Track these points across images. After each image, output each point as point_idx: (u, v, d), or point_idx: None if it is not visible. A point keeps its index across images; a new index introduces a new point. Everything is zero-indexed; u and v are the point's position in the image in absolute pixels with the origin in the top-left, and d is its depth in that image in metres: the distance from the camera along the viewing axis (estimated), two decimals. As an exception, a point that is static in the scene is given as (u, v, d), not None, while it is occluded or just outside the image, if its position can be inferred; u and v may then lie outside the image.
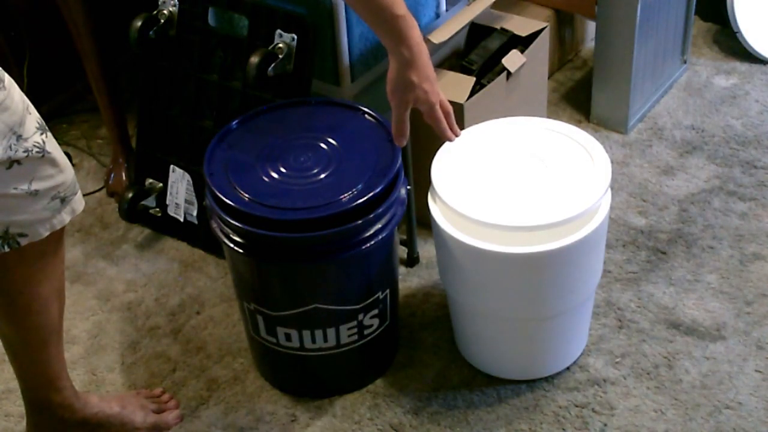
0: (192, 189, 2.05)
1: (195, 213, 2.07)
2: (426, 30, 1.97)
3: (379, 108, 1.69)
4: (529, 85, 2.07)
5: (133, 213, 2.10)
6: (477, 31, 2.10)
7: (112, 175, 2.25)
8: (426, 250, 2.03)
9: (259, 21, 1.84)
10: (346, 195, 1.52)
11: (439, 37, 1.93)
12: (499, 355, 1.76)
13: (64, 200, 1.39)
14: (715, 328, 1.83)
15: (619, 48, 2.22)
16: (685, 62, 2.50)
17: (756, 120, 2.33)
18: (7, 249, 1.35)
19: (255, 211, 1.51)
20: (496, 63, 2.00)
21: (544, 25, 2.08)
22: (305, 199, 1.52)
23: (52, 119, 2.43)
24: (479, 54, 2.03)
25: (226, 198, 1.53)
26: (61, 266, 1.49)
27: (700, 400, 1.70)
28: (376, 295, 1.66)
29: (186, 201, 2.07)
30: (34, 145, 1.31)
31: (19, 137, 1.29)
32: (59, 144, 1.38)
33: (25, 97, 1.32)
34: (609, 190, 1.60)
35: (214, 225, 1.59)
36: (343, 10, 1.78)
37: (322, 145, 1.62)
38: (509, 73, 1.97)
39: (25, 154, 1.30)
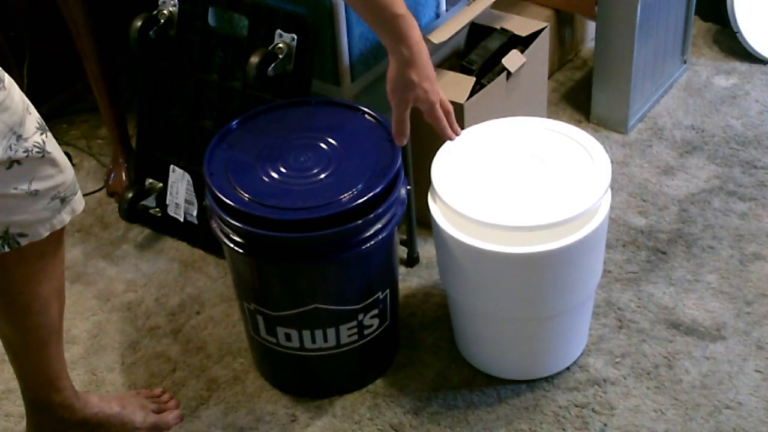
0: (192, 189, 2.05)
1: (195, 213, 2.07)
2: (426, 30, 1.97)
3: (379, 108, 1.69)
4: (529, 85, 2.07)
5: (133, 213, 2.10)
6: (477, 31, 2.10)
7: (112, 175, 2.25)
8: (426, 250, 2.03)
9: (259, 21, 1.84)
10: (346, 195, 1.52)
11: (439, 37, 1.93)
12: (499, 355, 1.76)
13: (64, 200, 1.39)
14: (715, 328, 1.83)
15: (619, 48, 2.22)
16: (685, 62, 2.50)
17: (756, 120, 2.34)
18: (7, 249, 1.35)
19: (255, 211, 1.51)
20: (496, 63, 2.00)
21: (544, 25, 2.08)
22: (305, 199, 1.52)
23: (52, 119, 2.43)
24: (479, 54, 2.03)
25: (226, 198, 1.53)
26: (61, 266, 1.49)
27: (700, 400, 1.70)
28: (376, 295, 1.66)
29: (186, 201, 2.07)
30: (34, 145, 1.31)
31: (19, 137, 1.29)
32: (59, 144, 1.38)
33: (25, 97, 1.32)
34: (609, 190, 1.60)
35: (214, 225, 1.59)
36: (343, 10, 1.78)
37: (322, 145, 1.62)
38: (509, 73, 1.97)
39: (25, 154, 1.30)
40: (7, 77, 1.27)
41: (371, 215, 1.52)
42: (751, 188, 2.13)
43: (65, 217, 1.40)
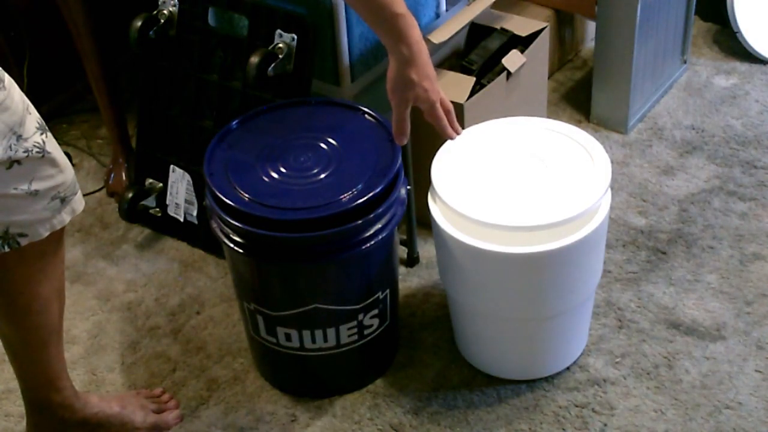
0: (192, 189, 2.05)
1: (195, 213, 2.07)
2: (426, 30, 1.97)
3: (379, 108, 1.69)
4: (529, 85, 2.07)
5: (133, 213, 2.10)
6: (477, 31, 2.10)
7: (112, 175, 2.25)
8: (426, 250, 2.03)
9: (259, 21, 1.84)
10: (346, 195, 1.52)
11: (439, 37, 1.93)
12: (499, 355, 1.76)
13: (64, 200, 1.39)
14: (715, 328, 1.83)
15: (619, 48, 2.22)
16: (685, 62, 2.50)
17: (756, 120, 2.34)
18: (7, 249, 1.35)
19: (255, 211, 1.51)
20: (496, 63, 2.00)
21: (544, 25, 2.08)
22: (305, 199, 1.52)
23: (52, 119, 2.43)
24: (479, 54, 2.03)
25: (226, 198, 1.53)
26: (61, 266, 1.49)
27: (700, 400, 1.70)
28: (376, 295, 1.66)
29: (186, 201, 2.07)
30: (34, 145, 1.31)
31: (19, 137, 1.29)
32: (59, 144, 1.38)
33: (25, 97, 1.32)
34: (609, 190, 1.60)
35: (214, 225, 1.59)
36: (343, 10, 1.78)
37: (322, 145, 1.62)
38: (509, 73, 1.97)
39: (25, 154, 1.30)
40: (7, 77, 1.27)
41: (371, 215, 1.52)
42: (751, 188, 2.13)
43: (65, 217, 1.40)
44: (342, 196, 1.52)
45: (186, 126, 2.02)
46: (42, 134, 1.33)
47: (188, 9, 1.94)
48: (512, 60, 1.97)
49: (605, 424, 1.67)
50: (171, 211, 2.10)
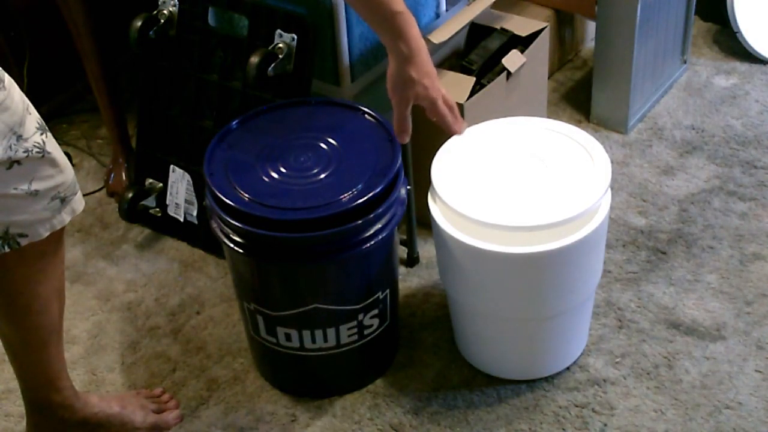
0: (192, 189, 2.05)
1: (195, 213, 2.07)
2: (426, 30, 1.97)
3: (380, 108, 1.69)
4: (529, 85, 2.07)
5: (133, 213, 2.10)
6: (477, 31, 2.10)
7: (112, 175, 2.25)
8: (426, 250, 2.03)
9: (259, 21, 1.84)
10: (346, 195, 1.52)
11: (439, 37, 1.93)
12: (499, 355, 1.76)
13: (64, 200, 1.39)
14: (715, 328, 1.83)
15: (619, 48, 2.22)
16: (685, 62, 2.50)
17: (756, 120, 2.34)
18: (7, 249, 1.35)
19: (255, 211, 1.51)
20: (496, 63, 2.00)
21: (544, 25, 2.08)
22: (305, 199, 1.52)
23: (52, 119, 2.43)
24: (479, 54, 2.03)
25: (226, 198, 1.53)
26: (61, 266, 1.49)
27: (700, 400, 1.70)
28: (376, 295, 1.66)
29: (186, 201, 2.07)
30: (34, 146, 1.31)
31: (19, 137, 1.29)
32: (59, 144, 1.38)
33: (25, 97, 1.32)
34: (609, 190, 1.60)
35: (214, 225, 1.59)
36: (343, 10, 1.78)
37: (322, 145, 1.62)
38: (509, 73, 1.97)
39: (25, 155, 1.30)
40: (7, 77, 1.27)
41: (371, 215, 1.52)
42: (751, 188, 2.13)
43: (65, 217, 1.40)
44: (342, 196, 1.52)
45: (186, 126, 2.02)
46: (42, 134, 1.33)
47: (188, 9, 1.94)
48: (512, 60, 1.97)
49: (605, 424, 1.67)
50: (171, 211, 2.11)
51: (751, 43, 2.51)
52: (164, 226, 2.13)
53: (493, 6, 2.09)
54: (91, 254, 2.11)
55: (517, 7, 2.33)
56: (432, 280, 1.97)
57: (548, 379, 1.75)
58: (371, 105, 1.70)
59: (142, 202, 2.10)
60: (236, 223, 1.52)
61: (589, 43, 2.62)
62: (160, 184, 2.10)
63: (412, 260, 2.00)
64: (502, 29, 2.08)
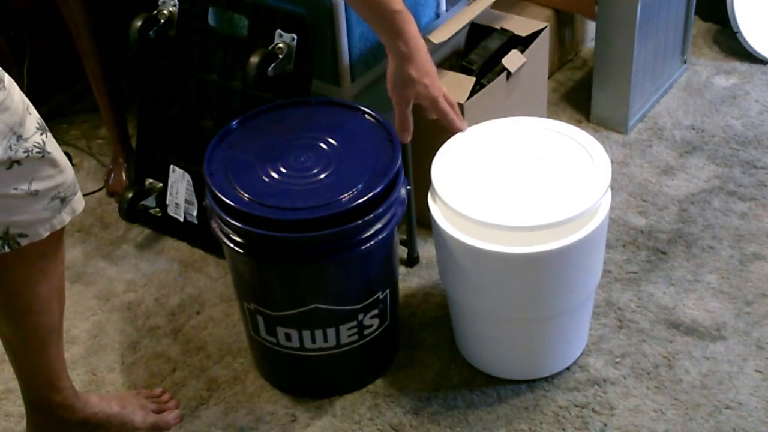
0: (192, 189, 2.05)
1: (195, 213, 2.07)
2: (426, 30, 1.97)
3: (380, 108, 1.69)
4: (529, 85, 2.07)
5: (133, 213, 2.10)
6: (477, 31, 2.10)
7: (112, 175, 2.25)
8: (426, 250, 2.03)
9: (259, 21, 1.84)
10: (346, 195, 1.52)
11: (439, 37, 1.93)
12: (499, 355, 1.76)
13: (64, 200, 1.39)
14: (715, 328, 1.83)
15: (619, 48, 2.22)
16: (685, 62, 2.50)
17: (756, 120, 2.34)
18: (7, 249, 1.35)
19: (255, 211, 1.51)
20: (496, 63, 2.00)
21: (544, 25, 2.08)
22: (305, 199, 1.52)
23: (52, 119, 2.43)
24: (479, 54, 2.03)
25: (226, 198, 1.53)
26: (61, 266, 1.49)
27: (700, 400, 1.70)
28: (376, 295, 1.66)
29: (186, 201, 2.07)
30: (34, 146, 1.31)
31: (19, 137, 1.29)
32: (59, 144, 1.38)
33: (25, 97, 1.32)
34: (609, 190, 1.60)
35: (214, 225, 1.59)
36: (343, 10, 1.78)
37: (322, 145, 1.62)
38: (509, 73, 1.97)
39: (26, 155, 1.30)
40: (7, 77, 1.27)
41: (371, 215, 1.52)
42: (751, 188, 2.13)
43: (65, 218, 1.40)
44: (342, 196, 1.52)
45: (186, 126, 2.02)
46: (42, 134, 1.33)
47: (188, 9, 1.94)
48: (512, 60, 1.97)
49: (605, 424, 1.67)
50: (171, 211, 2.11)
51: (751, 43, 2.51)
52: (164, 226, 2.13)
53: (493, 6, 2.09)
54: (91, 254, 2.11)
55: (517, 7, 2.33)
56: (432, 280, 1.97)
57: (548, 379, 1.75)
58: (371, 105, 1.70)
59: (142, 202, 2.10)
60: (236, 223, 1.52)
61: (589, 43, 2.62)
62: (160, 184, 2.10)
63: (412, 260, 2.00)
64: (502, 29, 2.08)
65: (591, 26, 2.56)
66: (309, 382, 1.78)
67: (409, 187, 1.69)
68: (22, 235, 1.36)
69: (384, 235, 1.56)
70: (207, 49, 1.95)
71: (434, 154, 1.66)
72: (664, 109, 2.40)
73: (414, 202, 1.88)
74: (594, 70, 2.32)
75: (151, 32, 1.94)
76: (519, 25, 2.09)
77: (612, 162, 1.69)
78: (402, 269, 1.99)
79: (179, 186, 2.07)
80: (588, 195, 1.56)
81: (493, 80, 1.95)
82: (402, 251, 1.99)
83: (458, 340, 1.82)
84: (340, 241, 1.53)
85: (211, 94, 1.97)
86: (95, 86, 2.16)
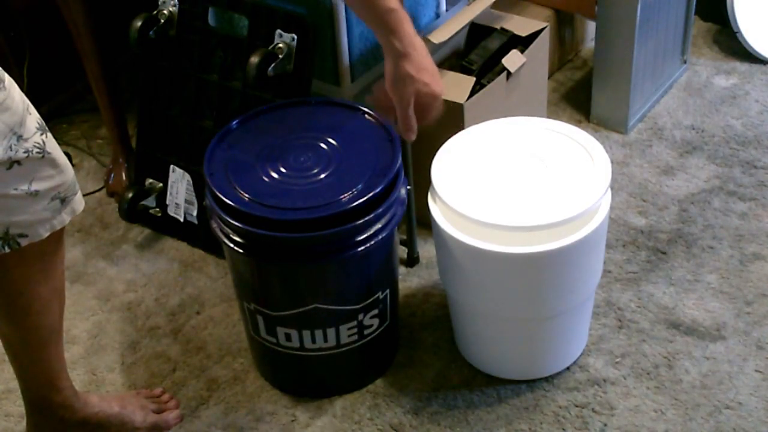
0: (192, 189, 2.05)
1: (195, 213, 2.07)
2: (426, 30, 1.97)
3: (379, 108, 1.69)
4: (529, 85, 2.07)
5: (133, 213, 2.10)
6: (477, 31, 2.10)
7: (112, 175, 2.25)
8: (426, 250, 2.03)
9: (259, 21, 1.84)
10: (346, 195, 1.52)
11: (439, 37, 1.93)
12: (499, 355, 1.76)
13: (64, 200, 1.39)
14: (715, 328, 1.83)
15: (619, 48, 2.22)
16: (685, 62, 2.50)
17: (756, 120, 2.34)
18: (7, 249, 1.35)
19: (255, 211, 1.51)
20: (496, 63, 2.00)
21: (544, 25, 2.08)
22: (305, 199, 1.52)
23: (52, 119, 2.43)
24: (479, 54, 2.03)
25: (226, 198, 1.53)
26: (61, 266, 1.49)
27: (700, 400, 1.70)
28: (376, 295, 1.66)
29: (186, 201, 2.07)
30: (35, 146, 1.31)
31: (19, 137, 1.29)
32: (59, 144, 1.38)
33: (25, 97, 1.32)
34: (609, 190, 1.60)
35: (214, 225, 1.59)
36: (343, 10, 1.78)
37: (322, 145, 1.62)
38: (509, 73, 1.97)
39: (26, 155, 1.30)
40: (7, 77, 1.27)
41: (371, 215, 1.52)
42: (751, 188, 2.13)
43: (65, 218, 1.40)
44: (342, 196, 1.52)
45: (186, 126, 2.02)
46: (42, 134, 1.33)
47: (188, 9, 1.94)
48: (512, 60, 1.97)
49: (605, 424, 1.67)
50: (171, 211, 2.11)
51: (751, 43, 2.51)
52: (164, 226, 2.13)
53: (493, 6, 2.09)
54: (91, 254, 2.11)
55: (517, 7, 2.33)
56: (432, 280, 1.97)
57: (548, 379, 1.75)
58: (371, 105, 1.70)
59: (142, 202, 2.10)
60: (236, 223, 1.52)
61: (589, 43, 2.62)
62: (160, 184, 2.10)
63: (412, 260, 2.00)
64: (502, 29, 2.08)
65: (591, 26, 2.56)
66: (309, 382, 1.78)
67: (409, 187, 1.69)
68: (22, 236, 1.36)
69: (384, 235, 1.56)
70: (207, 49, 1.95)
71: (434, 154, 1.66)
72: (664, 109, 2.40)
73: (414, 202, 1.88)
74: (594, 70, 2.32)
75: (151, 32, 1.94)
76: (519, 25, 2.09)
77: (612, 162, 1.69)
78: (402, 269, 1.99)
79: (179, 186, 2.07)
80: (588, 195, 1.55)
81: (493, 80, 1.95)
82: (402, 251, 1.99)
83: (458, 340, 1.82)
84: (340, 241, 1.53)
85: (211, 94, 1.97)
86: (95, 86, 2.16)
